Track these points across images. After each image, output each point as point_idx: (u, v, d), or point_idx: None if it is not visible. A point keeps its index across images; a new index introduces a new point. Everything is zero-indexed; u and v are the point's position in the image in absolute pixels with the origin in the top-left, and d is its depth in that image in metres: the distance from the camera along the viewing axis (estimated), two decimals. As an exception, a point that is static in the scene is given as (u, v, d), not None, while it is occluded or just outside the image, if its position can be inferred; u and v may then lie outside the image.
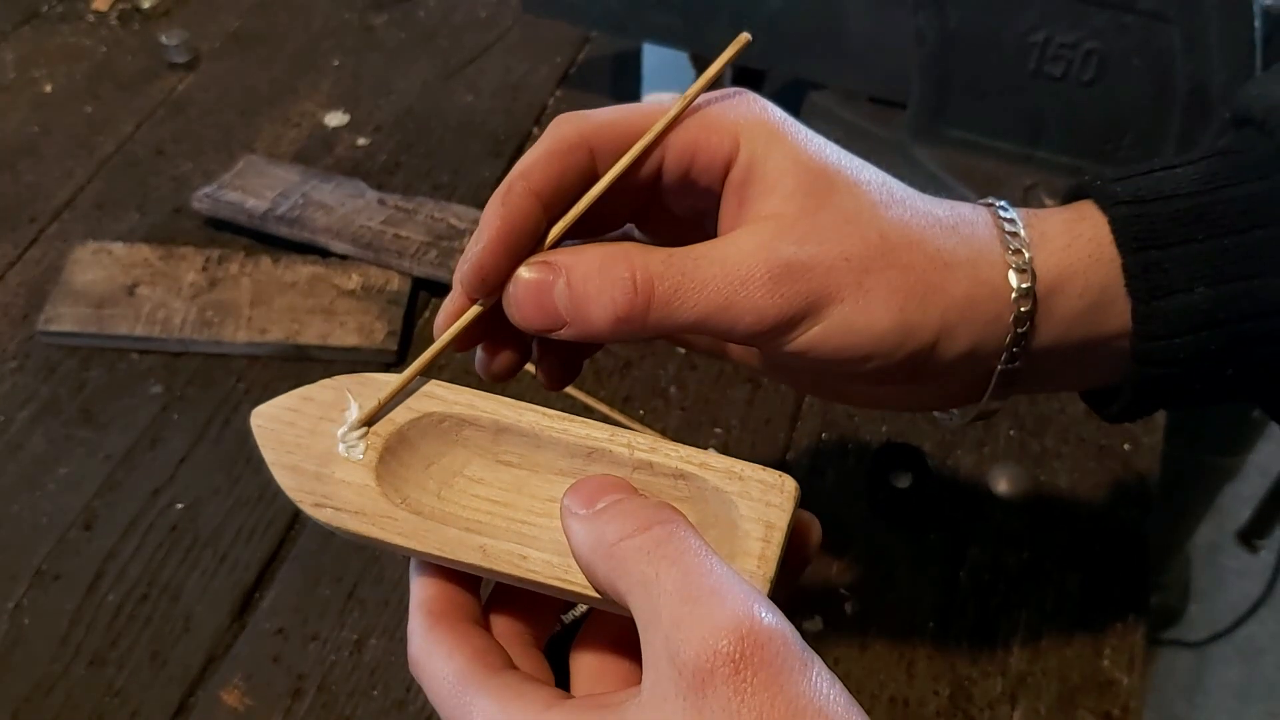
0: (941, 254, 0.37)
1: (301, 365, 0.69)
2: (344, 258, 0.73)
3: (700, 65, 0.86)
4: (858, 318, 0.36)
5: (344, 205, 0.75)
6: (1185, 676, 1.54)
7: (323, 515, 0.35)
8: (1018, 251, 0.38)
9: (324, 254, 0.73)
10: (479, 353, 0.40)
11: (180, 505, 0.62)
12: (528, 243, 0.36)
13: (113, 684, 0.55)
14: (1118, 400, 0.41)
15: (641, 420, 0.66)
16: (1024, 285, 0.37)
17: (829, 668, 0.29)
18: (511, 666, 0.34)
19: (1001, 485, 0.63)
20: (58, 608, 0.58)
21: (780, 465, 0.64)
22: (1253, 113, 0.41)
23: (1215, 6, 0.64)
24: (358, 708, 0.54)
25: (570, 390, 0.67)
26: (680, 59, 0.86)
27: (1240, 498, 1.46)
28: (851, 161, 0.38)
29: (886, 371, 0.37)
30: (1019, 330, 0.38)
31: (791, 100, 0.85)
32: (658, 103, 0.37)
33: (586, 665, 0.35)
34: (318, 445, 0.36)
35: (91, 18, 0.95)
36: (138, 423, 0.66)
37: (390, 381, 0.37)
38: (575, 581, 0.34)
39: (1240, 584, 1.57)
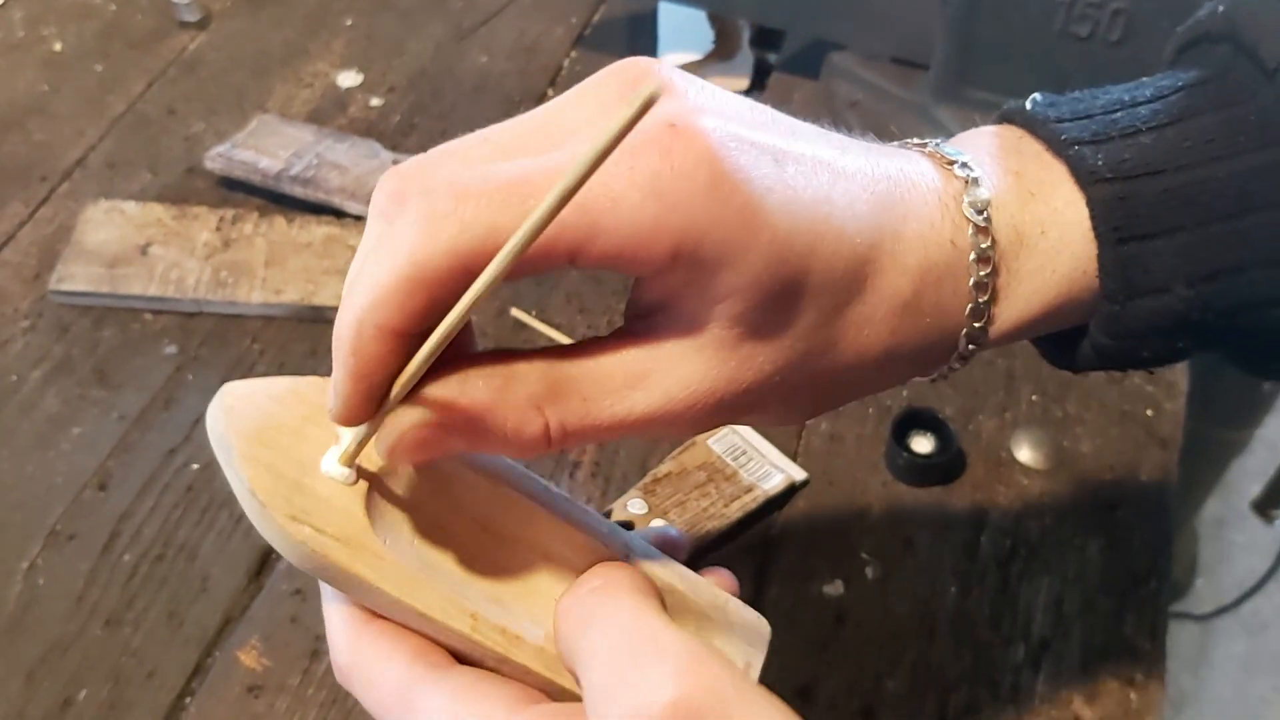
0: (894, 339, 0.32)
1: (317, 326, 0.68)
2: (359, 218, 0.72)
3: (719, 26, 0.84)
4: (778, 419, 0.34)
5: (358, 166, 0.75)
6: (1191, 649, 1.54)
7: (299, 534, 0.29)
8: (977, 314, 0.33)
9: (338, 214, 0.73)
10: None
11: (196, 466, 0.62)
12: (390, 381, 0.29)
13: (129, 644, 0.55)
14: (1060, 354, 0.38)
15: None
16: (970, 347, 0.34)
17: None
18: (456, 664, 0.31)
19: (1023, 451, 0.63)
20: (73, 568, 0.57)
21: (800, 429, 0.64)
22: (1241, 32, 0.34)
23: (1246, -34, 0.63)
24: (376, 668, 0.54)
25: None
26: (698, 19, 0.85)
27: (1247, 472, 1.46)
28: (825, 222, 0.30)
29: None
30: (966, 353, 0.35)
31: (812, 61, 0.84)
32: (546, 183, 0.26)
33: None
34: (300, 450, 0.30)
35: (100, -24, 0.94)
36: (152, 383, 0.65)
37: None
38: (565, 677, 0.30)
39: (1246, 558, 1.57)
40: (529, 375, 0.29)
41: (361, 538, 0.29)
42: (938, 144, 0.35)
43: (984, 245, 0.32)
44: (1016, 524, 0.60)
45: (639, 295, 0.31)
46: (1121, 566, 0.59)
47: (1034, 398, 0.66)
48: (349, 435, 0.30)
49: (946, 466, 0.62)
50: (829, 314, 0.31)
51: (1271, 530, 1.38)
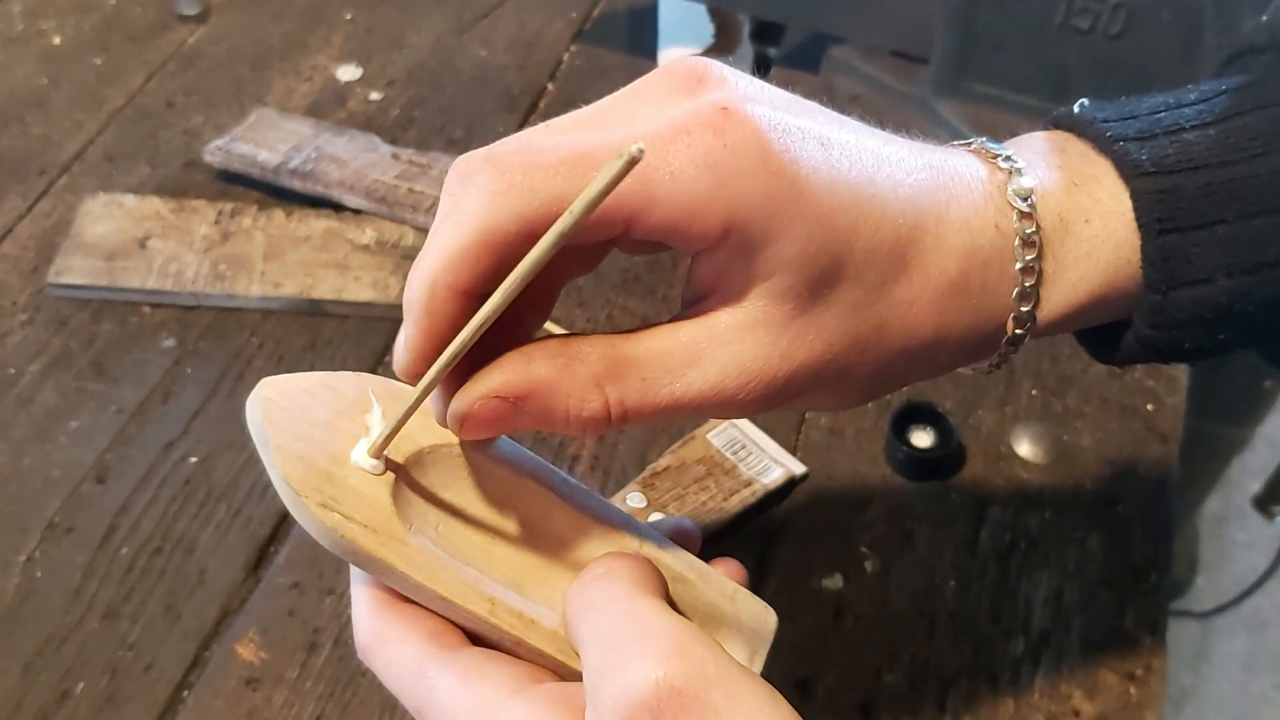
0: (943, 319, 0.33)
1: (315, 320, 0.68)
2: (358, 212, 0.72)
3: (719, 20, 0.84)
4: (833, 402, 0.34)
5: (357, 159, 0.74)
6: (1191, 647, 1.54)
7: (329, 520, 0.30)
8: (1025, 298, 0.34)
9: (337, 208, 0.72)
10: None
11: (193, 459, 0.61)
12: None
13: (126, 637, 0.55)
14: (1104, 348, 0.39)
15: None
16: (1019, 332, 0.35)
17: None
18: (469, 644, 0.32)
19: (1023, 445, 0.63)
20: (70, 560, 0.57)
21: (800, 423, 0.63)
22: None
23: (1248, -41, 0.63)
24: (374, 662, 0.54)
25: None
26: (698, 12, 0.85)
27: (1248, 469, 1.46)
28: (869, 204, 0.31)
29: None
30: (1015, 339, 0.35)
31: (813, 55, 0.84)
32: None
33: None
34: (332, 442, 0.32)
35: (99, -30, 0.94)
36: (150, 376, 0.65)
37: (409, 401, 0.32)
38: (577, 660, 0.31)
39: (1247, 556, 1.57)
40: (590, 354, 0.31)
41: (387, 525, 0.31)
42: (983, 141, 0.36)
43: (1029, 230, 0.33)
44: (1016, 518, 0.60)
45: (693, 279, 0.32)
46: (1122, 561, 0.59)
47: (1034, 392, 0.66)
48: (378, 428, 0.32)
49: (946, 461, 0.62)
50: (875, 291, 0.32)
51: (1272, 527, 1.38)
